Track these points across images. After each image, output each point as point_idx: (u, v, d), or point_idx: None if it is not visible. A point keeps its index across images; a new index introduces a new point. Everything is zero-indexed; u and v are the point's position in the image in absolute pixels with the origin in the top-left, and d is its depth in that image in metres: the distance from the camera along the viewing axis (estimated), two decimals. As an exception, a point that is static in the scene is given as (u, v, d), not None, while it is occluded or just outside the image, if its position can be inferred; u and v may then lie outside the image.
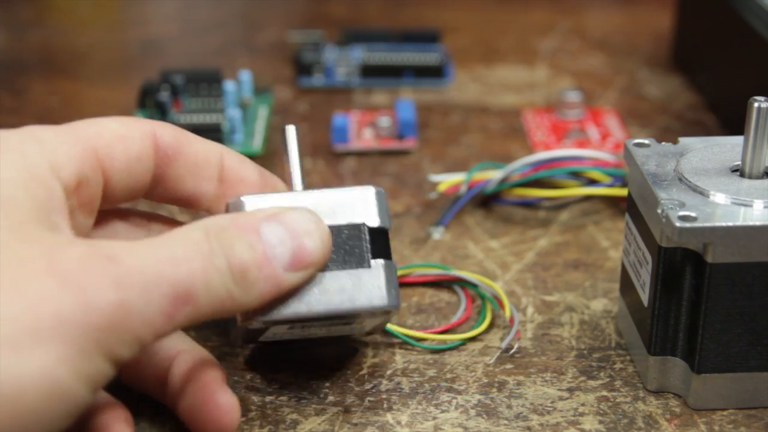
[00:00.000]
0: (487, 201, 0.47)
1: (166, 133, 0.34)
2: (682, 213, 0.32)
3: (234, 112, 0.51)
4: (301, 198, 0.33)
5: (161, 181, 0.34)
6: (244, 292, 0.30)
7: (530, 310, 0.40)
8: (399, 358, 0.37)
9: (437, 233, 0.45)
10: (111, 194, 0.33)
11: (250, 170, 0.35)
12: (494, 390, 0.35)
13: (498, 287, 0.39)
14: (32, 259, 0.27)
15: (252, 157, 0.37)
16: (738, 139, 0.35)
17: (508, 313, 0.38)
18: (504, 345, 0.37)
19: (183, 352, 0.33)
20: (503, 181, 0.46)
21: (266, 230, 0.31)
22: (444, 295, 0.40)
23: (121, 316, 0.27)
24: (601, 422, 0.34)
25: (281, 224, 0.31)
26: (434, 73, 0.59)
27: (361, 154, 0.51)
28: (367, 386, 0.35)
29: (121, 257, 0.28)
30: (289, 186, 0.35)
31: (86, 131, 0.32)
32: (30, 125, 0.31)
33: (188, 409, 0.32)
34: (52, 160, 0.30)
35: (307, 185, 0.35)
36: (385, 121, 0.52)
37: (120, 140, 0.33)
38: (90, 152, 0.32)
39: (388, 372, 0.36)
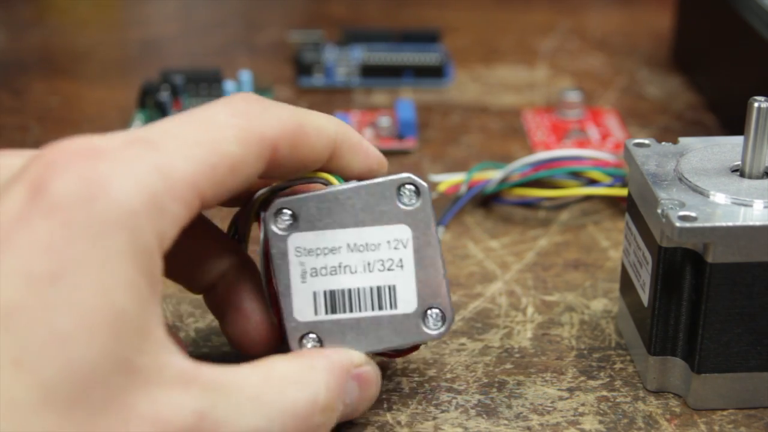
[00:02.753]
0: (487, 201, 0.47)
1: (285, 142, 0.30)
2: (682, 213, 0.32)
3: (234, 112, 0.51)
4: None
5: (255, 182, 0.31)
6: None
7: (530, 310, 0.40)
8: (399, 359, 0.37)
9: (437, 233, 0.44)
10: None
11: (355, 164, 0.33)
12: (494, 390, 0.35)
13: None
14: (129, 421, 0.26)
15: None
16: (738, 139, 0.35)
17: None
18: None
19: (232, 267, 0.34)
20: (503, 181, 0.46)
21: (349, 390, 0.31)
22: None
23: None
24: (601, 422, 0.34)
25: (359, 386, 0.32)
26: (434, 73, 0.59)
27: (361, 154, 0.51)
28: (367, 386, 0.35)
29: (225, 425, 0.27)
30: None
31: (202, 169, 0.28)
32: (146, 155, 0.27)
33: (229, 328, 0.34)
34: (161, 232, 0.27)
35: None
36: (385, 121, 0.52)
37: (232, 172, 0.29)
38: (197, 199, 0.28)
39: (388, 372, 0.36)
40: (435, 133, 0.54)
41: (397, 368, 0.36)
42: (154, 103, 0.53)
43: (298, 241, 0.32)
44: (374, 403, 0.34)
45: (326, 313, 0.32)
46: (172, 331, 0.32)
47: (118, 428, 0.26)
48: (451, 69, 0.60)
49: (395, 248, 0.32)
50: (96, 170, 0.26)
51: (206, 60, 0.62)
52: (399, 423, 0.34)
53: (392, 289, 0.32)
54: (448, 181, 0.46)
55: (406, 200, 0.32)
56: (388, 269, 0.32)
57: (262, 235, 0.32)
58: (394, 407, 0.34)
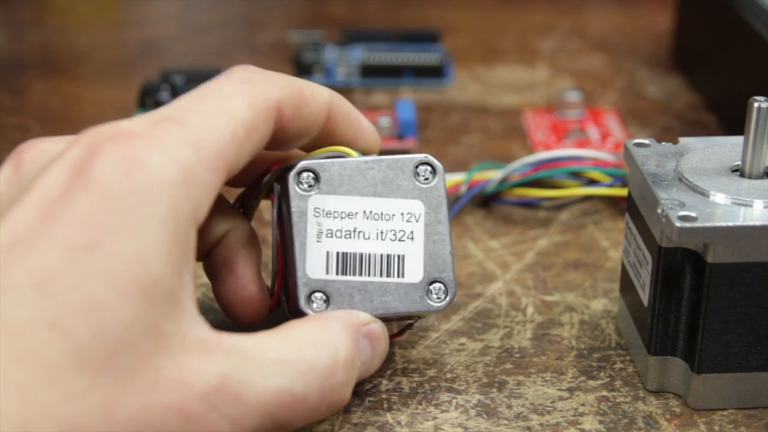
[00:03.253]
0: (487, 201, 0.47)
1: (288, 104, 0.32)
2: (682, 213, 0.32)
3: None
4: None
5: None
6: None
7: (530, 310, 0.40)
8: (399, 358, 0.37)
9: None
10: None
11: (349, 132, 0.35)
12: (494, 390, 0.35)
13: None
14: (157, 385, 0.27)
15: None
16: (738, 139, 0.35)
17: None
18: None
19: (232, 230, 0.34)
20: (503, 181, 0.46)
21: (362, 347, 0.32)
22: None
23: None
24: (601, 422, 0.34)
25: (370, 344, 0.33)
26: (434, 73, 0.59)
27: (361, 154, 0.51)
28: (367, 386, 0.35)
29: (245, 395, 0.28)
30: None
31: (225, 137, 0.29)
32: (176, 133, 0.29)
33: (220, 288, 0.34)
34: (197, 203, 0.29)
35: None
36: (385, 121, 0.52)
37: (248, 137, 0.31)
38: (226, 167, 0.30)
39: (388, 372, 0.36)
40: (435, 133, 0.54)
41: (397, 368, 0.36)
42: (154, 103, 0.53)
43: (318, 202, 0.33)
44: (375, 404, 0.34)
45: (337, 273, 0.33)
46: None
47: (146, 391, 0.27)
48: (451, 69, 0.60)
49: (408, 221, 0.33)
50: (134, 149, 0.28)
51: (206, 60, 0.62)
52: (399, 423, 0.34)
53: (401, 259, 0.33)
54: (448, 181, 0.46)
55: (422, 178, 0.34)
56: (399, 240, 0.33)
57: (275, 210, 0.34)
58: (394, 407, 0.34)
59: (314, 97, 0.33)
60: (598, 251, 0.44)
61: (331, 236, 0.33)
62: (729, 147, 0.36)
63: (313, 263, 0.33)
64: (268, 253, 0.37)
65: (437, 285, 0.34)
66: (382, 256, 0.33)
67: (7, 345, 0.25)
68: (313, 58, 0.59)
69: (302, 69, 0.59)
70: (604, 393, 0.35)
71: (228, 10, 0.71)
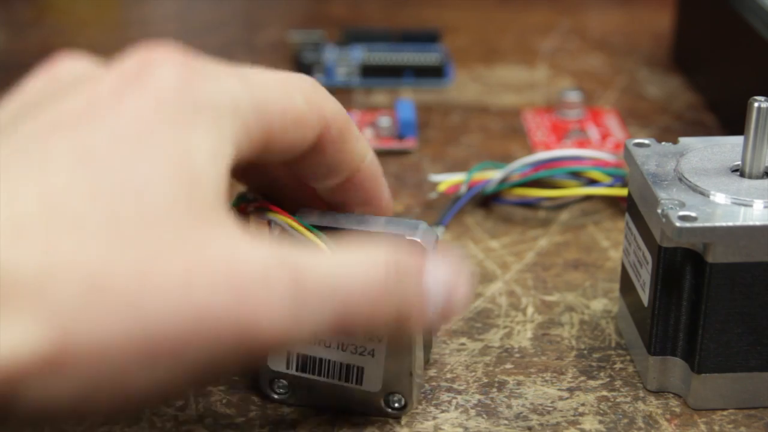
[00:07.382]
0: (487, 201, 0.47)
1: (336, 126, 0.32)
2: (682, 213, 0.32)
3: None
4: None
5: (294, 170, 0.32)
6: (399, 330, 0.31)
7: (530, 310, 0.40)
8: (399, 358, 0.37)
9: (437, 233, 0.44)
10: None
11: (373, 193, 0.34)
12: (494, 390, 0.35)
13: None
14: (204, 251, 0.25)
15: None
16: (738, 139, 0.35)
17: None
18: None
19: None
20: (503, 181, 0.46)
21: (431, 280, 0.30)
22: (444, 295, 0.40)
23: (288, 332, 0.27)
24: (601, 422, 0.34)
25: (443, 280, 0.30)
26: (434, 73, 0.59)
27: (361, 154, 0.51)
28: (367, 386, 0.35)
29: (305, 279, 0.27)
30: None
31: (275, 108, 0.29)
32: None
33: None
34: (239, 140, 0.28)
35: None
36: (385, 121, 0.52)
37: (295, 125, 0.30)
38: (266, 138, 0.29)
39: (388, 372, 0.36)
40: (435, 133, 0.54)
41: (397, 368, 0.36)
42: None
43: None
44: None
45: (297, 370, 0.34)
46: None
47: (192, 255, 0.25)
48: (451, 69, 0.60)
49: (370, 340, 0.33)
50: (191, 74, 0.28)
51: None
52: (399, 423, 0.34)
53: (360, 370, 0.33)
54: (448, 181, 0.46)
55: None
56: (360, 354, 0.33)
57: None
58: (394, 407, 0.34)
59: (357, 140, 0.33)
60: (598, 251, 0.44)
61: None
62: (729, 147, 0.36)
63: (275, 358, 0.34)
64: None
65: (396, 395, 0.34)
66: (341, 364, 0.33)
67: (39, 203, 0.24)
68: (313, 58, 0.59)
69: (302, 69, 0.59)
70: (604, 393, 0.35)
71: (228, 10, 0.71)
